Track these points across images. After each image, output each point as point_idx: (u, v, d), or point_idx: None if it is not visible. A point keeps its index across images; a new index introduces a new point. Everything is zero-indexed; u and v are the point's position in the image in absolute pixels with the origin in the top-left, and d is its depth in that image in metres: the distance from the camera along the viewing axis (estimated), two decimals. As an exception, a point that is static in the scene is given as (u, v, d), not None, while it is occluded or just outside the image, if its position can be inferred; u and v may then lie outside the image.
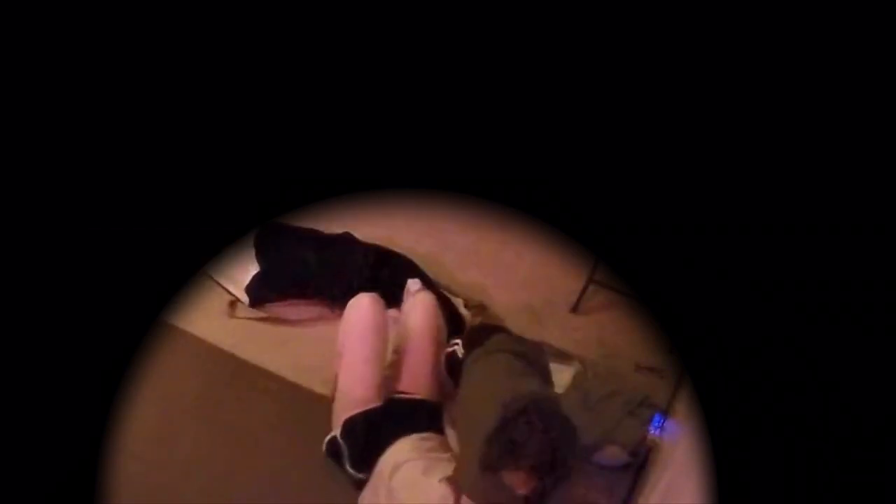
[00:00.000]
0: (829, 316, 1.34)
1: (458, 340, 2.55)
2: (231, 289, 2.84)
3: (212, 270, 2.83)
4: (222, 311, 2.78)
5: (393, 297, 2.66)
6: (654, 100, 1.79)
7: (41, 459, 1.33)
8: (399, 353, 2.50)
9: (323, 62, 2.07)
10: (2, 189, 1.43)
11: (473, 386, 2.31)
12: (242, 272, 2.87)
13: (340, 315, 2.87)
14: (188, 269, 2.27)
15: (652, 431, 2.59)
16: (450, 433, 2.39)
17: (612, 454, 2.54)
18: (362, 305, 2.44)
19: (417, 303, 2.58)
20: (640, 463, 2.54)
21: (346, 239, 3.00)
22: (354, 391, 2.31)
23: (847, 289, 1.34)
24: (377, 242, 2.99)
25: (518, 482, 1.96)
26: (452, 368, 2.51)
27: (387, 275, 2.86)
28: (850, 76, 1.50)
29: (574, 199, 2.01)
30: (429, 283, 2.88)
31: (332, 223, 3.02)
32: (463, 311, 2.89)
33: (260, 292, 2.82)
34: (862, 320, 1.30)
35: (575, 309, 3.06)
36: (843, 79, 1.50)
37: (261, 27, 1.96)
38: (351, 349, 2.37)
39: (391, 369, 2.47)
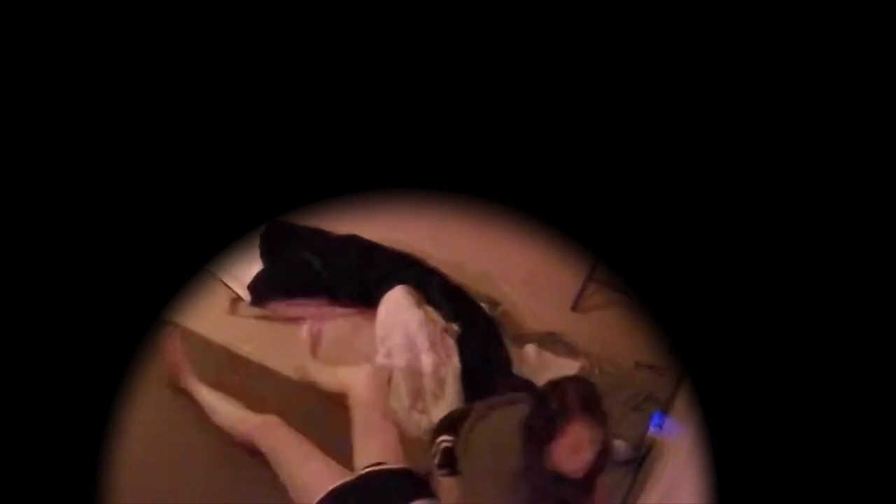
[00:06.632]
0: (828, 316, 1.34)
1: (451, 437, 2.24)
2: (234, 286, 2.84)
3: (215, 268, 2.84)
4: (224, 309, 2.79)
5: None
6: (653, 99, 1.80)
7: (40, 459, 1.33)
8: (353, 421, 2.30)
9: (324, 62, 2.07)
10: (2, 189, 1.43)
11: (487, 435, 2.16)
12: (245, 270, 2.88)
13: (342, 315, 2.89)
14: (189, 267, 2.27)
15: (652, 430, 2.59)
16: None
17: (618, 449, 2.55)
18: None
19: (366, 378, 2.39)
20: (640, 460, 2.54)
21: (353, 240, 3.00)
22: (314, 479, 2.11)
23: (847, 288, 1.34)
24: (382, 243, 3.00)
25: (572, 446, 1.92)
26: (448, 461, 2.23)
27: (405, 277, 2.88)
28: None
29: (574, 199, 2.01)
30: (452, 287, 2.90)
31: (334, 223, 3.02)
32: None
33: (263, 291, 2.83)
34: (861, 320, 1.30)
35: (575, 307, 3.07)
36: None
37: (261, 26, 1.97)
38: (285, 448, 2.20)
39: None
